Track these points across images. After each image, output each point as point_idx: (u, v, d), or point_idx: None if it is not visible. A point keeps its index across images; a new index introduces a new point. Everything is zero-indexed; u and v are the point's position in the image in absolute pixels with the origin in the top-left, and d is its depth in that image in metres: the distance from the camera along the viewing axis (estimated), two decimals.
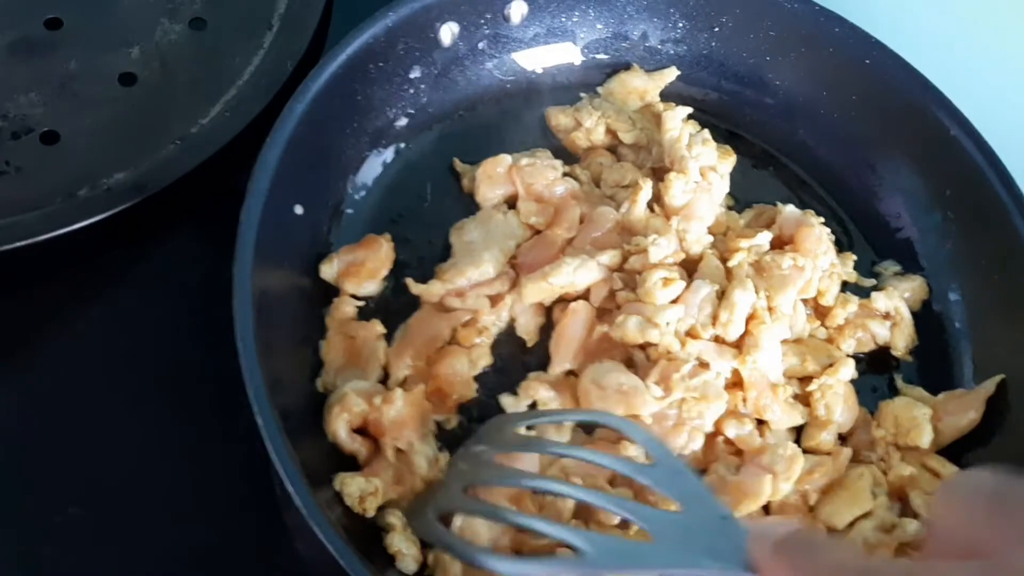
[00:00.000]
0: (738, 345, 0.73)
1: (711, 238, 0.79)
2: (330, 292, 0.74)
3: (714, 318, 0.73)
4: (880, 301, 0.79)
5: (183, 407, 0.73)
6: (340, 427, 0.67)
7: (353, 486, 0.64)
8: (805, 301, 0.78)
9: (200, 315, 0.73)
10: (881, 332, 0.79)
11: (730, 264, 0.76)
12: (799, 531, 0.45)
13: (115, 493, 0.69)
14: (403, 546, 0.63)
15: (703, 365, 0.71)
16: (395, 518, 0.64)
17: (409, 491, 0.66)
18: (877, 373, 0.79)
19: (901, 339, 0.79)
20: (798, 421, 0.73)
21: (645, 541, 0.54)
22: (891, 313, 0.79)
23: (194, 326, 0.75)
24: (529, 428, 0.67)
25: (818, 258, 0.77)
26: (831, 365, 0.75)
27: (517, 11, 0.84)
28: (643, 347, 0.73)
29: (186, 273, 0.79)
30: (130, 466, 0.71)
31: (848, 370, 0.75)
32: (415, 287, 0.74)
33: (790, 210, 0.80)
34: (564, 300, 0.76)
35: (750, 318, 0.73)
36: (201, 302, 0.72)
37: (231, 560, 0.68)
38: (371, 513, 0.64)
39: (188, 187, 0.76)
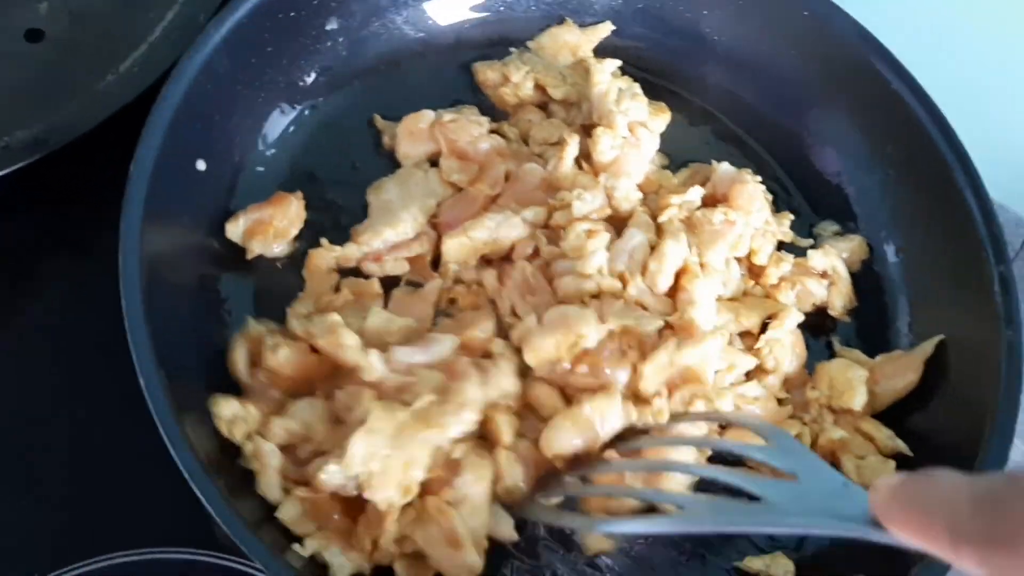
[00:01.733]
0: (671, 297, 0.71)
1: (640, 195, 0.76)
2: (237, 256, 0.71)
3: (644, 268, 0.70)
4: (817, 259, 0.76)
5: (94, 372, 0.70)
6: (239, 357, 0.65)
7: (226, 409, 0.62)
8: (739, 260, 0.75)
9: (109, 276, 0.70)
10: (818, 291, 0.76)
11: (660, 220, 0.73)
12: (911, 477, 0.45)
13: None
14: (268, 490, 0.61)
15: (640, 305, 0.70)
16: (262, 458, 0.61)
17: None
18: (814, 335, 0.76)
19: (838, 298, 0.76)
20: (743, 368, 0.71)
21: (757, 504, 0.55)
22: (828, 272, 0.76)
23: (104, 290, 0.71)
24: None
25: (751, 214, 0.74)
26: (771, 318, 0.73)
27: None
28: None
29: (95, 234, 0.75)
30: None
31: (793, 319, 0.72)
32: (330, 249, 0.71)
33: (724, 168, 0.77)
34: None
35: (682, 272, 0.71)
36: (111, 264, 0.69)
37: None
38: (238, 437, 0.62)
39: (92, 145, 0.73)
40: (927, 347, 0.72)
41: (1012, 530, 0.38)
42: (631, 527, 0.64)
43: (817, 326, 0.77)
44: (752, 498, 0.55)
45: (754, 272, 0.76)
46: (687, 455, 0.66)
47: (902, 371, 0.72)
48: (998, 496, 0.39)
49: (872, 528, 0.46)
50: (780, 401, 0.72)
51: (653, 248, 0.72)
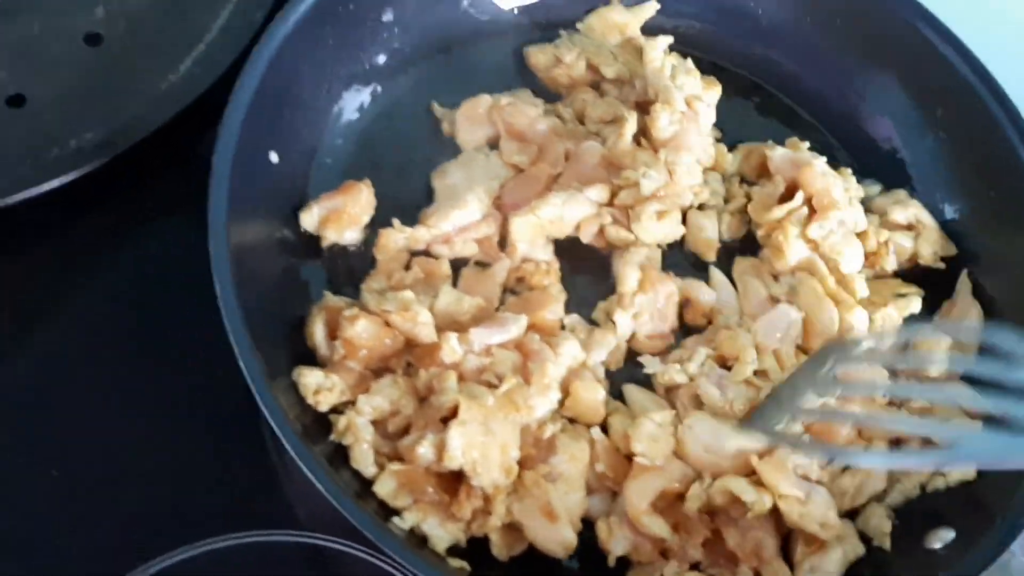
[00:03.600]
0: None
1: (700, 169, 0.77)
2: (311, 242, 0.72)
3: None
4: (898, 213, 0.77)
5: (173, 366, 0.71)
6: (318, 328, 0.66)
7: (311, 378, 0.63)
8: None
9: (183, 271, 0.71)
10: (906, 244, 0.77)
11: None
12: None
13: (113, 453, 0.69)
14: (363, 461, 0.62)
15: None
16: (356, 432, 0.63)
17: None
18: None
19: (927, 247, 0.77)
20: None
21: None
22: (913, 223, 0.78)
23: (178, 283, 0.73)
24: None
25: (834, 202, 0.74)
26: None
27: None
28: None
29: (166, 231, 0.77)
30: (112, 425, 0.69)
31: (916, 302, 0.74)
32: (401, 230, 0.72)
33: (780, 153, 0.78)
34: None
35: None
36: (184, 258, 0.70)
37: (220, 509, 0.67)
38: (323, 407, 0.64)
39: (160, 144, 0.75)
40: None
41: None
42: (910, 461, 0.64)
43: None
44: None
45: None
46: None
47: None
48: None
49: None
50: None
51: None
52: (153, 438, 0.70)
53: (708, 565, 0.63)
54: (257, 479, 0.69)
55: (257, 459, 0.69)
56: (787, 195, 0.76)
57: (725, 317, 0.73)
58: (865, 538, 0.66)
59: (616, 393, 0.71)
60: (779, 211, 0.74)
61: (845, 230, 0.74)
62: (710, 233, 0.76)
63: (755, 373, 0.70)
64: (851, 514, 0.68)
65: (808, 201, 0.75)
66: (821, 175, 0.75)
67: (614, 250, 0.75)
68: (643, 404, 0.69)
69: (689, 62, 0.79)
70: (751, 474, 0.65)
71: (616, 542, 0.63)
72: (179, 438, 0.69)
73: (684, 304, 0.74)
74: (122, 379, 0.71)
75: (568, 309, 0.73)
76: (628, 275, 0.71)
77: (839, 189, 0.75)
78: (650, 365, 0.71)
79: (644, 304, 0.71)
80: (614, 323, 0.71)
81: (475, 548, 0.63)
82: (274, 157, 0.70)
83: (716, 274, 0.75)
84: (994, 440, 0.55)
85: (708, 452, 0.66)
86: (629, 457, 0.66)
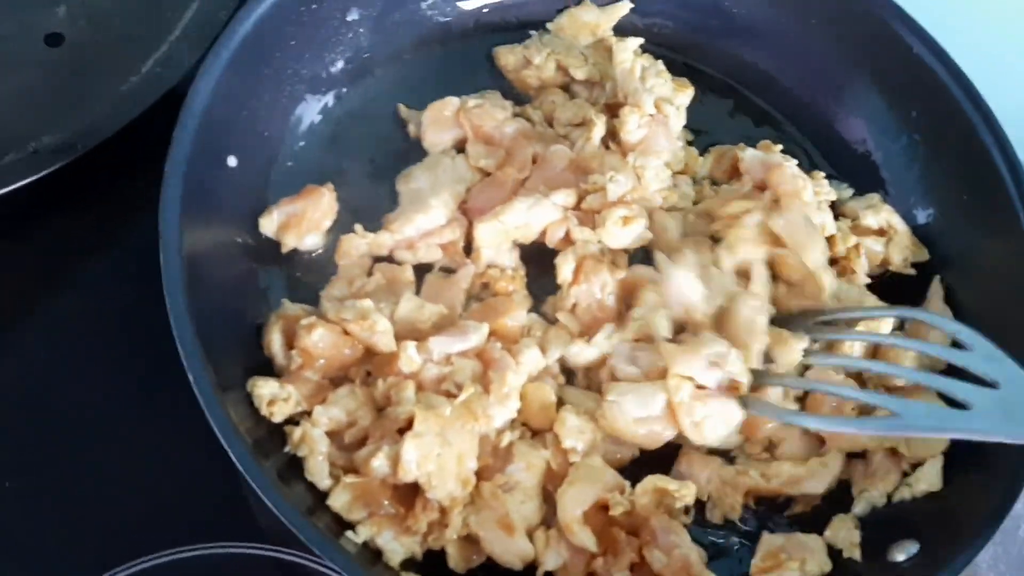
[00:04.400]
0: None
1: (669, 174, 0.76)
2: (272, 247, 0.71)
3: None
4: (869, 218, 0.76)
5: (139, 373, 0.71)
6: (275, 337, 0.66)
7: (264, 388, 0.63)
8: None
9: (149, 274, 0.70)
10: (877, 249, 0.76)
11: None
12: None
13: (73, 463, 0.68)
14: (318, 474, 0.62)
15: None
16: (311, 443, 0.62)
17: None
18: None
19: (897, 252, 0.76)
20: None
21: (961, 409, 0.57)
22: (884, 228, 0.77)
23: (143, 287, 0.72)
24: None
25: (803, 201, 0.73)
26: None
27: None
28: None
29: (126, 233, 0.76)
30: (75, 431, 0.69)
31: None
32: (363, 235, 0.71)
33: (751, 154, 0.77)
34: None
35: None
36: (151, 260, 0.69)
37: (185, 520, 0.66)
38: (278, 419, 0.63)
39: (120, 146, 0.73)
40: None
41: None
42: (847, 427, 0.67)
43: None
44: (956, 405, 0.57)
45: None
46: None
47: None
48: None
49: None
50: None
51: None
52: (119, 447, 0.69)
53: None
54: (224, 490, 0.68)
55: (225, 470, 0.68)
56: (753, 196, 0.75)
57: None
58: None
59: None
60: (738, 205, 0.73)
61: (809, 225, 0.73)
62: (672, 233, 0.75)
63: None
64: (819, 528, 0.67)
65: (776, 202, 0.74)
66: (791, 176, 0.73)
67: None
68: (574, 399, 0.68)
69: (660, 64, 0.78)
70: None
71: (550, 555, 0.62)
72: (145, 447, 0.69)
73: (633, 292, 0.72)
74: (86, 388, 0.71)
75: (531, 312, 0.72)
76: (563, 267, 0.70)
77: (809, 192, 0.74)
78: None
79: (581, 295, 0.70)
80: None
81: (431, 561, 0.62)
82: (232, 161, 0.69)
83: (660, 257, 0.72)
84: (933, 412, 0.61)
85: (637, 422, 0.65)
86: None
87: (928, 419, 0.60)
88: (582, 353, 0.69)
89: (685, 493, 0.63)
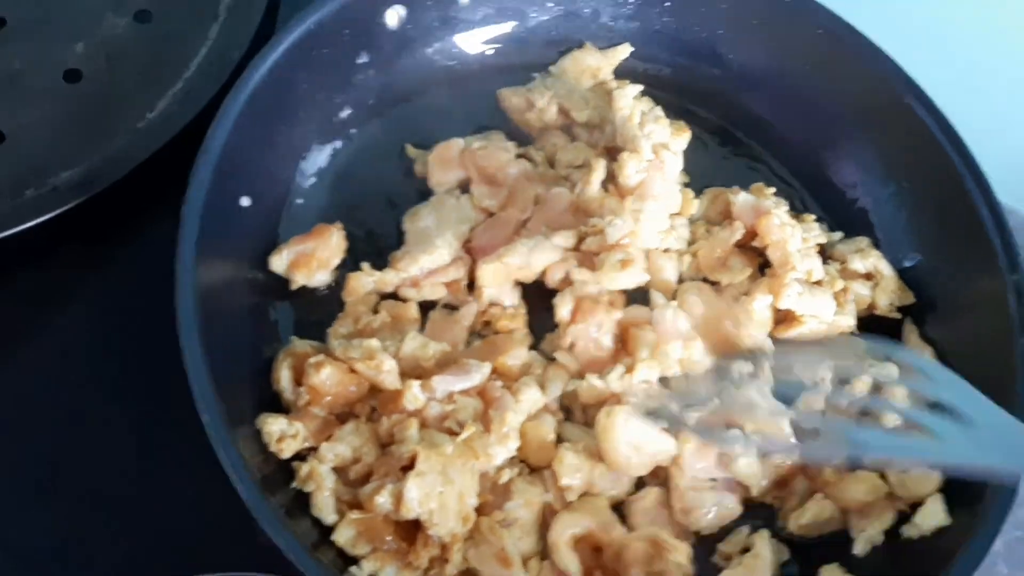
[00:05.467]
0: None
1: (667, 216, 0.78)
2: (281, 283, 0.73)
3: None
4: (857, 263, 0.79)
5: (149, 403, 0.72)
6: (283, 374, 0.68)
7: (274, 425, 0.65)
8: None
9: (152, 310, 0.72)
10: (864, 293, 0.79)
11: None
12: None
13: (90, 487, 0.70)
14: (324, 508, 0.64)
15: None
16: (318, 480, 0.64)
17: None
18: None
19: (883, 297, 0.79)
20: None
21: (926, 438, 0.56)
22: (871, 272, 0.79)
23: (154, 323, 0.74)
24: None
25: (787, 250, 0.76)
26: None
27: None
28: None
29: (145, 268, 0.77)
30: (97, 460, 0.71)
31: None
32: (369, 273, 0.74)
33: (743, 199, 0.80)
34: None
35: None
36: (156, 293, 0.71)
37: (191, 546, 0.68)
38: (286, 455, 0.65)
39: (138, 182, 0.76)
40: None
41: None
42: (802, 451, 0.66)
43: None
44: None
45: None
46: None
47: None
48: None
49: None
50: None
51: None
52: (125, 470, 0.71)
53: None
54: (230, 520, 0.69)
55: (232, 500, 0.70)
56: (745, 240, 0.78)
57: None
58: None
59: None
60: (732, 276, 0.76)
61: (807, 286, 0.76)
62: (668, 274, 0.78)
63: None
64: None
65: (765, 249, 0.77)
66: (779, 226, 0.76)
67: None
68: (573, 436, 0.70)
69: (659, 110, 0.81)
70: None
71: None
72: (153, 472, 0.71)
73: (629, 332, 0.75)
74: (95, 416, 0.72)
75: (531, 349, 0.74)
76: (561, 307, 0.73)
77: (797, 239, 0.76)
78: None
79: (579, 333, 0.73)
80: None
81: None
82: (246, 201, 0.72)
83: (655, 295, 0.75)
84: (897, 440, 0.60)
85: (626, 444, 0.67)
86: None
87: (897, 445, 0.59)
88: (592, 387, 0.71)
89: (678, 554, 0.65)
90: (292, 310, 0.74)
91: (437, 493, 0.62)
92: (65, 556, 0.68)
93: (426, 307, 0.75)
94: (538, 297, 0.77)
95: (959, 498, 0.69)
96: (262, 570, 0.64)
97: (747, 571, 0.67)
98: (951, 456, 0.53)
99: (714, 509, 0.69)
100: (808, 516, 0.70)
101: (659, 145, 0.79)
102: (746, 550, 0.69)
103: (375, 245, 0.77)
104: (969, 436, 0.52)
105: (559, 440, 0.70)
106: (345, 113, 0.80)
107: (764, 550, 0.69)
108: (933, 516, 0.69)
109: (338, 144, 0.80)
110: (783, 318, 0.76)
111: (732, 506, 0.70)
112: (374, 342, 0.68)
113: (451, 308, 0.76)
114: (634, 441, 0.68)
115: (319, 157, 0.79)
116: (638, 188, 0.77)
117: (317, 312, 0.74)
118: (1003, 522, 0.64)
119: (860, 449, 0.58)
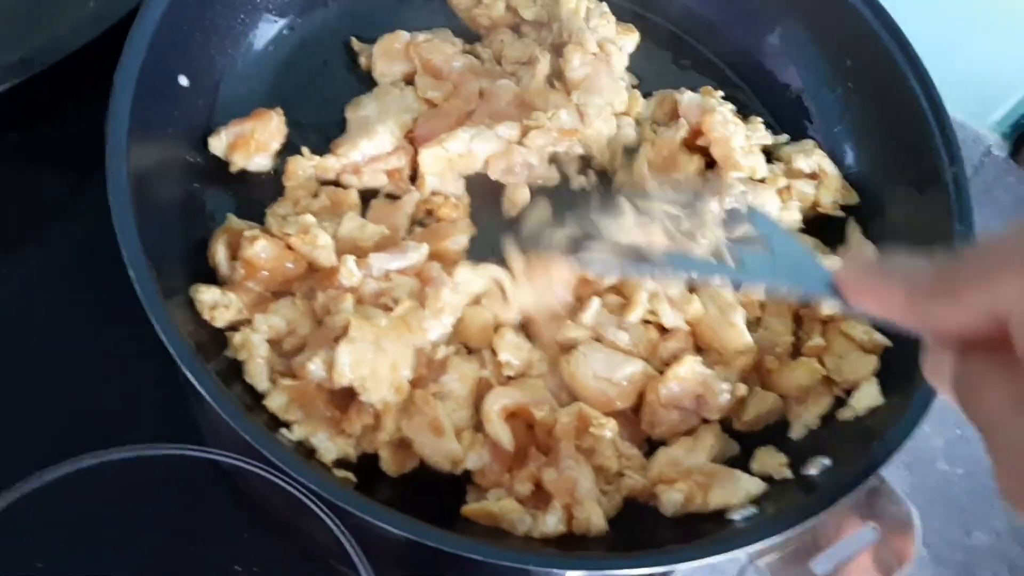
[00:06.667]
0: None
1: (611, 113, 0.78)
2: (220, 168, 0.73)
3: None
4: (800, 162, 0.79)
5: (82, 280, 0.72)
6: (219, 248, 0.68)
7: (207, 295, 0.65)
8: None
9: (92, 194, 0.72)
10: (808, 191, 0.79)
11: None
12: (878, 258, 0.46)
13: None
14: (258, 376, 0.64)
15: None
16: (250, 348, 0.64)
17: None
18: None
19: (827, 195, 0.79)
20: None
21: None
22: (816, 172, 0.80)
23: (85, 205, 0.74)
24: None
25: (732, 148, 0.76)
26: None
27: None
28: None
29: (81, 150, 0.77)
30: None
31: None
32: (309, 158, 0.73)
33: (689, 97, 0.80)
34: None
35: None
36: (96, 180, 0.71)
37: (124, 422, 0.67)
38: (219, 323, 0.65)
39: (79, 65, 0.75)
40: None
41: (960, 282, 0.38)
42: (618, 269, 0.63)
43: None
44: None
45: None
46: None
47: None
48: (957, 262, 0.38)
49: (831, 294, 0.47)
50: None
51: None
52: (59, 347, 0.70)
53: (526, 500, 0.64)
54: (162, 394, 0.69)
55: (165, 373, 0.69)
56: (691, 140, 0.78)
57: None
58: None
59: None
60: (681, 171, 0.77)
61: (753, 186, 0.76)
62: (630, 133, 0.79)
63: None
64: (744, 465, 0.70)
65: (708, 148, 0.77)
66: (722, 123, 0.76)
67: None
68: None
69: (604, 6, 0.81)
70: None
71: (472, 455, 0.64)
72: (86, 349, 0.70)
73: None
74: (32, 296, 0.72)
75: (476, 247, 0.73)
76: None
77: (740, 137, 0.76)
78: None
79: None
80: None
81: (366, 465, 0.64)
82: (184, 80, 0.71)
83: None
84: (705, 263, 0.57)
85: (596, 379, 0.67)
86: None
87: (697, 264, 0.57)
88: (569, 331, 0.70)
89: (604, 424, 0.65)
90: (232, 195, 0.73)
91: (369, 360, 0.62)
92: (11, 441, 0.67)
93: (367, 198, 0.75)
94: (481, 194, 0.77)
95: (893, 383, 0.70)
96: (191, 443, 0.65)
97: (686, 449, 0.67)
98: (748, 278, 0.53)
99: (678, 424, 0.69)
100: (751, 412, 0.71)
101: (604, 40, 0.79)
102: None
103: (317, 135, 0.76)
104: (769, 264, 0.52)
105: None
106: (290, 0, 0.79)
107: (707, 436, 0.69)
108: (867, 397, 0.69)
109: (283, 32, 0.79)
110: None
111: (694, 422, 0.70)
112: (310, 218, 0.68)
113: (393, 198, 0.75)
114: (601, 373, 0.68)
115: (262, 43, 0.78)
116: (583, 82, 0.77)
117: (257, 196, 0.73)
118: (933, 396, 0.65)
119: (677, 268, 0.56)
